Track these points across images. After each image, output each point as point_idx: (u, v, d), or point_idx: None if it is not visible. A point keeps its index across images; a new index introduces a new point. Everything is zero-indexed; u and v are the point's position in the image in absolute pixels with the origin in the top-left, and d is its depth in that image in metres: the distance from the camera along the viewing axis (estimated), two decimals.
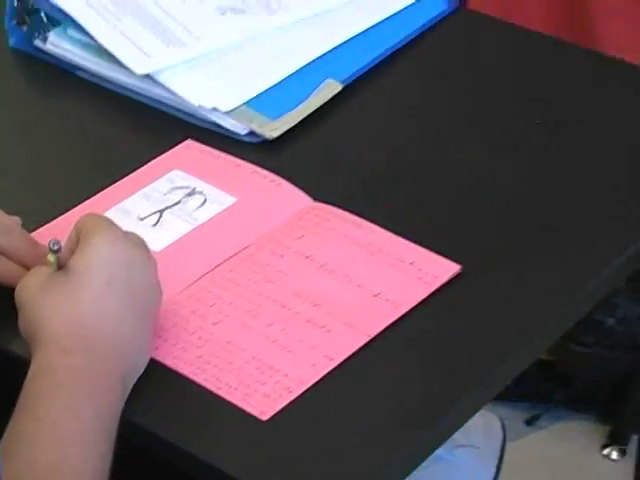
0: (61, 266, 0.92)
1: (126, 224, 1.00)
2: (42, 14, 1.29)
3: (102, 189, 1.13)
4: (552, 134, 1.22)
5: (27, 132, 1.26)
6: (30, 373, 0.87)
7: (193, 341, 0.98)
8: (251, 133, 1.20)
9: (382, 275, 1.03)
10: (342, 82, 1.26)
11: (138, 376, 0.92)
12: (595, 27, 1.85)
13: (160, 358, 0.96)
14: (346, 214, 1.09)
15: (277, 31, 1.32)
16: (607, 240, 1.08)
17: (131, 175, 1.15)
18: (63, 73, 1.29)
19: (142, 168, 1.16)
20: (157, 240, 1.05)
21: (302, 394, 0.93)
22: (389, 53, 1.32)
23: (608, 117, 1.23)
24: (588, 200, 1.13)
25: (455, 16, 1.38)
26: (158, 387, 0.94)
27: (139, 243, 0.96)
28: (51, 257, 0.92)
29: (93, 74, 1.28)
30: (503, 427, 1.81)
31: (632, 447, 2.02)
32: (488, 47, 1.36)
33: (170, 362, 0.96)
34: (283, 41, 1.31)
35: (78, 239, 0.94)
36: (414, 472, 0.92)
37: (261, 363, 0.95)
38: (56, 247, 0.92)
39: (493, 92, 1.29)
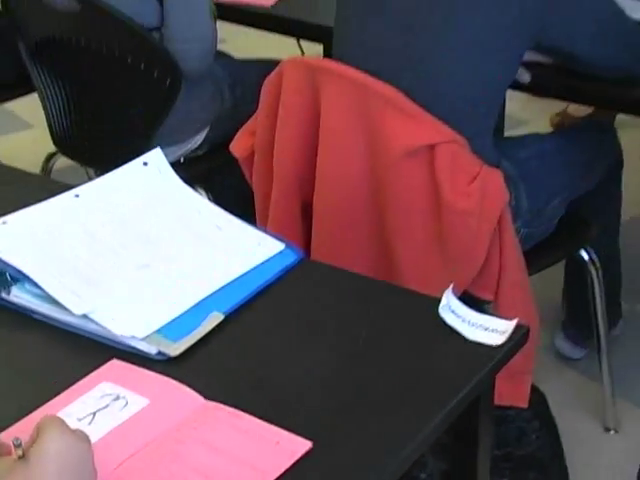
0: (22, 456, 0.90)
1: (68, 424, 0.97)
2: (7, 274, 1.28)
3: (51, 399, 1.11)
4: (372, 348, 1.23)
5: None
6: None
7: None
8: (159, 352, 1.19)
9: (256, 452, 1.01)
10: (224, 313, 1.26)
11: None
12: (402, 267, 1.88)
13: None
14: (229, 408, 1.08)
15: (176, 280, 1.32)
16: (413, 418, 1.08)
17: (72, 387, 1.13)
18: (23, 316, 1.27)
19: (80, 381, 1.14)
20: (92, 434, 1.01)
21: None
22: (258, 291, 1.32)
23: (408, 337, 1.25)
24: (400, 387, 1.14)
25: (302, 264, 1.39)
26: None
27: (82, 437, 0.94)
28: (19, 450, 0.90)
29: (45, 315, 1.26)
30: None
31: None
32: (324, 285, 1.37)
33: None
34: (181, 287, 1.31)
35: (37, 434, 0.92)
36: None
37: None
38: (17, 442, 0.90)
39: (329, 318, 1.30)
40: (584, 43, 1.92)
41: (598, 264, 2.16)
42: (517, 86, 2.01)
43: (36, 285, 1.26)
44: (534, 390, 1.97)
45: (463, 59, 1.83)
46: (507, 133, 2.51)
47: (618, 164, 2.24)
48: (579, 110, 3.17)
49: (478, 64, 1.84)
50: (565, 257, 2.21)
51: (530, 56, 1.96)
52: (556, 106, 3.24)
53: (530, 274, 1.95)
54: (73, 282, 1.27)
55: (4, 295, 1.28)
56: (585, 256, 2.15)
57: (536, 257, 2.02)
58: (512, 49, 1.88)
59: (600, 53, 1.95)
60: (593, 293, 2.20)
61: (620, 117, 3.01)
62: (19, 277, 1.27)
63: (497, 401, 1.31)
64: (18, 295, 1.27)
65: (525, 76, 2.01)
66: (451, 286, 1.28)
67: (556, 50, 1.96)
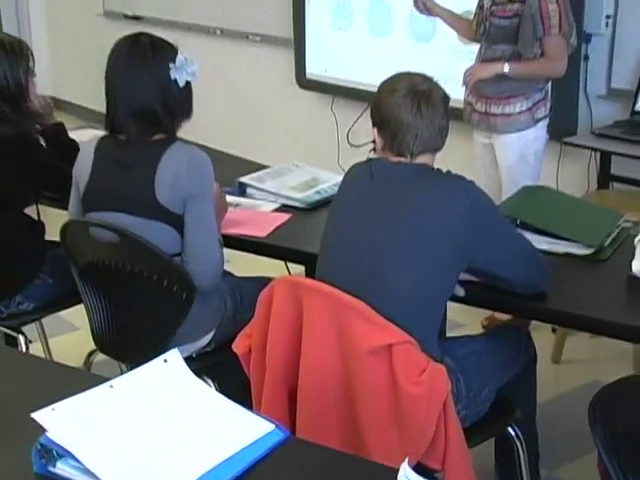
0: None
1: None
2: (54, 451, 1.25)
3: None
4: None
5: None
6: None
7: None
8: None
9: None
10: None
11: None
12: (367, 441, 1.85)
13: None
14: None
15: (186, 456, 1.29)
16: None
17: None
18: None
19: None
20: None
21: None
22: (252, 465, 1.29)
23: None
24: None
25: (289, 442, 1.37)
26: None
27: None
28: None
29: None
30: None
31: None
32: (306, 459, 1.35)
33: None
34: (189, 461, 1.27)
35: None
36: None
37: None
38: None
39: None
40: (502, 268, 1.97)
41: (522, 439, 2.13)
42: (455, 298, 2.05)
43: (77, 460, 1.24)
44: None
45: (414, 279, 1.87)
46: (448, 334, 2.52)
47: (533, 359, 2.24)
48: (503, 316, 3.21)
49: (426, 282, 1.88)
50: (497, 433, 2.18)
51: (464, 276, 2.01)
52: (485, 313, 3.29)
53: (470, 447, 1.92)
54: (107, 458, 1.25)
55: (50, 468, 1.25)
56: (512, 432, 2.12)
57: (474, 433, 1.99)
58: (450, 271, 1.92)
59: (515, 274, 1.99)
60: (519, 461, 2.16)
61: (533, 322, 3.05)
62: (64, 453, 1.25)
63: None
64: (62, 468, 1.25)
65: (460, 291, 2.05)
66: (407, 459, 1.26)
67: (482, 272, 2.01)
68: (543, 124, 3.25)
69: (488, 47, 3.20)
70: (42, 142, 2.70)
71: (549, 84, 3.25)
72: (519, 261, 1.99)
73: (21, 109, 2.52)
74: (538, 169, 3.30)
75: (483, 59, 3.22)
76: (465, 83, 3.19)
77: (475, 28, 3.28)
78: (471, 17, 3.37)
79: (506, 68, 3.08)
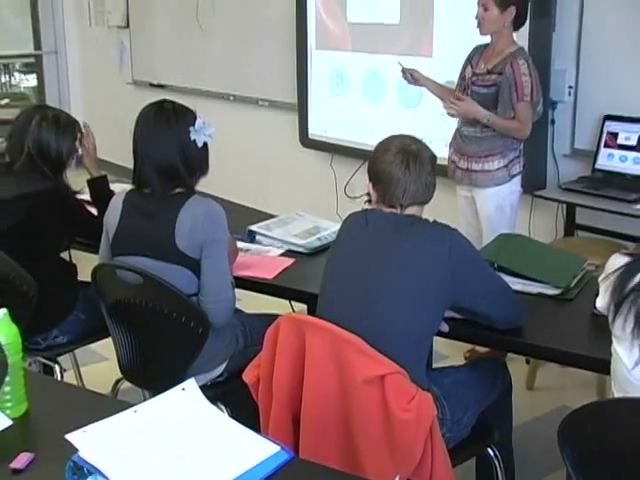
0: None
1: None
2: (84, 469, 1.24)
3: None
4: None
5: None
6: None
7: None
8: None
9: None
10: None
11: None
12: (363, 460, 1.83)
13: None
14: None
15: (198, 475, 1.28)
16: None
17: None
18: None
19: None
20: None
21: None
22: None
23: None
24: None
25: (293, 462, 1.35)
26: None
27: None
28: None
29: None
30: None
31: None
32: (309, 478, 1.34)
33: None
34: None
35: None
36: None
37: None
38: None
39: None
40: (483, 306, 1.98)
41: (500, 458, 2.12)
42: (440, 334, 2.05)
43: (105, 477, 1.23)
44: None
45: (404, 317, 1.87)
46: (434, 365, 2.51)
47: (509, 386, 2.23)
48: (482, 349, 3.20)
49: (415, 320, 1.88)
50: (477, 453, 2.17)
51: (448, 313, 2.01)
52: (467, 346, 3.29)
53: (453, 466, 1.90)
54: (131, 475, 1.24)
55: None
56: (491, 453, 2.11)
57: (457, 453, 1.98)
58: (436, 309, 1.92)
59: (494, 312, 2.00)
60: (497, 478, 2.14)
61: (509, 354, 3.04)
62: (93, 471, 1.24)
63: None
64: None
65: (445, 327, 2.05)
66: (398, 477, 1.25)
67: (465, 310, 2.01)
68: (517, 179, 3.28)
69: None
70: (87, 190, 2.74)
71: (522, 144, 3.30)
72: (498, 300, 1.99)
73: (55, 176, 2.56)
74: (514, 219, 3.33)
75: (464, 121, 3.26)
76: (453, 108, 3.17)
77: None
78: (453, 86, 3.42)
79: (485, 119, 3.12)
